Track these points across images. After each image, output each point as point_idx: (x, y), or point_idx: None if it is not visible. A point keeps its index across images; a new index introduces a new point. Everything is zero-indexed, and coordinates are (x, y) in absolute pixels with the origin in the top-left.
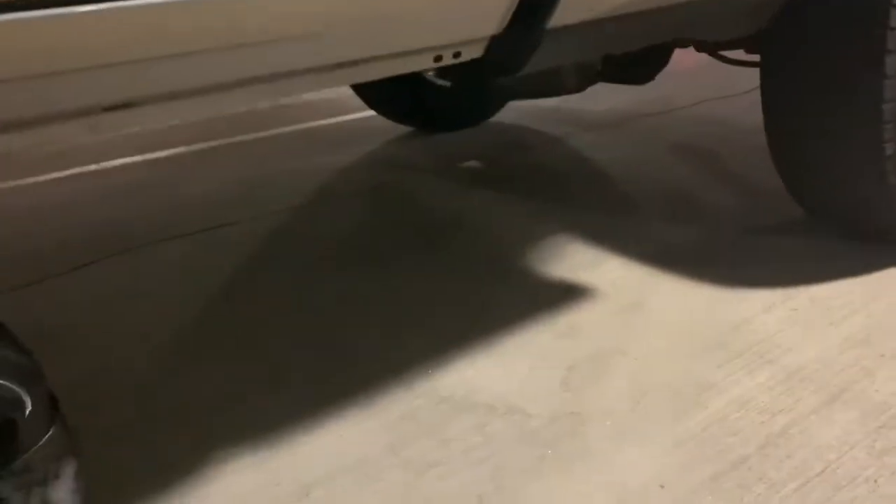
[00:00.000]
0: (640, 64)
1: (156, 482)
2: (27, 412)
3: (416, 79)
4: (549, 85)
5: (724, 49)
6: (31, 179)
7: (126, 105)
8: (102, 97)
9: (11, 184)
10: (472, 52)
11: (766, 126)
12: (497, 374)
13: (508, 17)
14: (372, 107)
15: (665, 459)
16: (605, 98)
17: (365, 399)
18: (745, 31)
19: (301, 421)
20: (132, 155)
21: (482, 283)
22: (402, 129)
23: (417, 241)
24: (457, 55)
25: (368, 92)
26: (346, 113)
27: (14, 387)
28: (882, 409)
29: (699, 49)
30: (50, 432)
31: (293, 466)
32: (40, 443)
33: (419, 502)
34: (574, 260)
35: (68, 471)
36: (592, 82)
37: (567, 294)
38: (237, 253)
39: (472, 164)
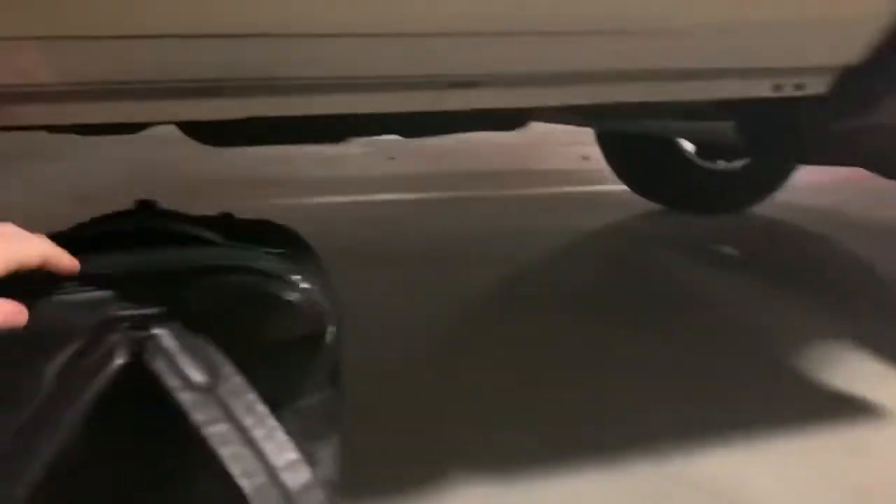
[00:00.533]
0: None
1: (394, 485)
2: (326, 345)
3: (675, 156)
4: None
5: None
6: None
7: (472, 84)
8: (453, 69)
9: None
10: (817, 86)
11: None
12: (764, 474)
13: (876, 44)
14: (624, 179)
15: None
16: (882, 207)
17: (607, 464)
18: None
19: (538, 466)
20: (390, 192)
21: (742, 374)
22: (650, 205)
23: (665, 313)
24: (799, 87)
25: (623, 164)
26: (595, 184)
27: (326, 307)
28: None
29: None
30: (332, 389)
31: None
32: (323, 393)
33: None
34: (855, 370)
35: (335, 438)
36: None
37: (848, 407)
38: (479, 287)
39: (727, 249)
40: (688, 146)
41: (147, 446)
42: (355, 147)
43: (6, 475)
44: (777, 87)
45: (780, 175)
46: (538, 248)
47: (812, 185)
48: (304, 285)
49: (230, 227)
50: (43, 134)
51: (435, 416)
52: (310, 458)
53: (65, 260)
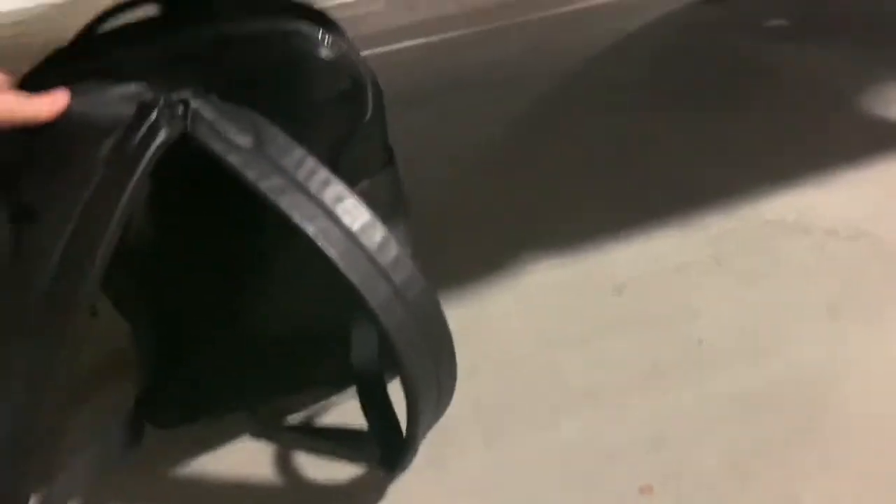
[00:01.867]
0: None
1: (468, 267)
2: (368, 111)
3: None
4: None
5: None
6: None
7: None
8: None
9: None
10: None
11: None
12: (835, 201)
13: None
14: None
15: None
16: None
17: (677, 214)
18: None
19: (610, 232)
20: (416, 38)
21: (803, 122)
22: None
23: (721, 87)
24: None
25: None
26: None
27: (360, 69)
28: None
29: None
30: (387, 170)
31: (606, 267)
32: (378, 175)
33: (754, 307)
34: None
35: (400, 226)
36: None
37: None
38: (531, 100)
39: (779, 22)
40: None
41: (211, 219)
42: (373, 2)
43: (75, 260)
44: None
45: None
46: (583, 56)
47: None
48: (332, 43)
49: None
50: None
51: (506, 206)
52: None
53: (40, 105)
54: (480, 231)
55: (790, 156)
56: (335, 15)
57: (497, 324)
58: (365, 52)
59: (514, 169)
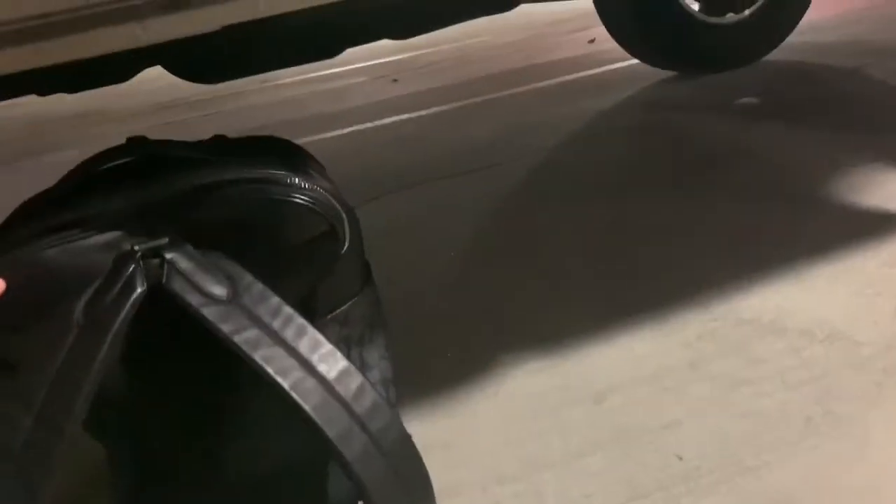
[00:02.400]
0: None
1: (451, 373)
2: (344, 244)
3: (680, 16)
4: None
5: None
6: (314, 137)
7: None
8: None
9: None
10: None
11: None
12: (810, 300)
13: None
14: (632, 52)
15: None
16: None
17: (655, 317)
18: None
19: (589, 333)
20: (399, 114)
21: (778, 211)
22: (662, 73)
23: (695, 171)
24: None
25: (628, 34)
26: (604, 64)
27: (336, 206)
28: None
29: None
30: (365, 291)
31: (585, 373)
32: (356, 297)
33: (733, 415)
34: (891, 189)
35: (379, 339)
36: None
37: (887, 222)
38: (509, 187)
39: (750, 100)
40: (692, 5)
41: (187, 366)
42: (358, 75)
43: (52, 414)
44: None
45: (791, 16)
46: (557, 137)
47: (826, 21)
48: (306, 185)
49: (224, 147)
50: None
51: (486, 306)
52: (359, 364)
53: None
54: (462, 334)
55: (766, 247)
56: (320, 87)
57: (481, 438)
58: (347, 130)
59: (492, 265)
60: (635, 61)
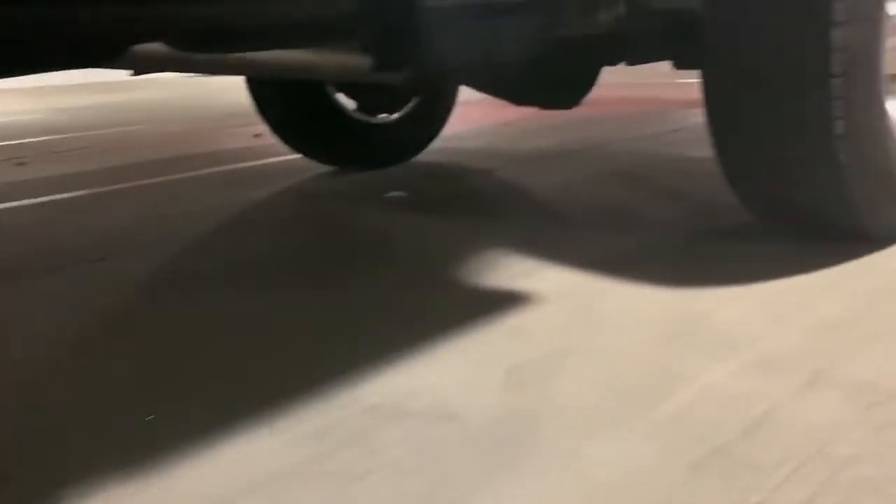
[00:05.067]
0: (567, 85)
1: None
2: None
3: (338, 116)
4: (484, 46)
5: (654, 60)
6: None
7: None
8: None
9: None
10: None
11: (711, 131)
12: (432, 379)
13: None
14: (290, 146)
15: (637, 451)
16: (530, 140)
17: (276, 414)
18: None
19: (201, 441)
20: (34, 197)
21: (415, 294)
22: (324, 168)
23: (341, 260)
24: None
25: (285, 130)
26: (267, 157)
27: None
28: (868, 388)
29: (629, 63)
30: None
31: (189, 488)
32: None
33: None
34: (514, 269)
35: None
36: (527, 54)
37: (508, 301)
38: (128, 279)
39: (399, 194)
40: (349, 104)
41: None
42: None
43: None
44: None
45: (437, 123)
46: (201, 226)
47: (467, 132)
48: None
49: None
50: None
51: (74, 415)
52: None
53: None
54: (49, 453)
55: (398, 329)
56: None
57: None
58: None
59: (91, 367)
60: (298, 156)
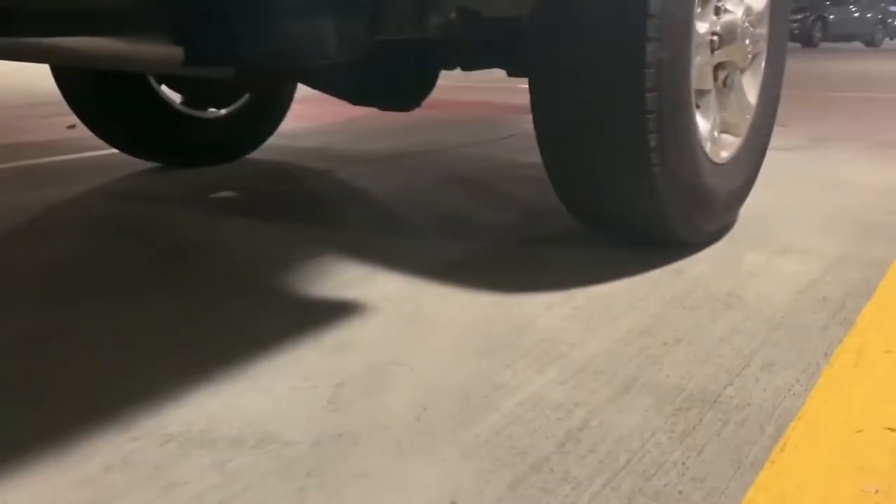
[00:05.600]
0: (404, 87)
1: None
2: None
3: (160, 109)
4: (303, 45)
5: (487, 67)
6: None
7: None
8: None
9: None
10: None
11: (538, 140)
12: (248, 401)
13: None
14: (108, 140)
15: (456, 471)
16: (368, 141)
17: (58, 450)
18: (512, 7)
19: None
20: None
21: (233, 307)
22: (145, 164)
23: (153, 268)
24: None
25: (101, 122)
26: (80, 151)
27: None
28: (675, 393)
29: (464, 68)
30: None
31: None
32: None
33: None
34: (342, 277)
35: None
36: (354, 55)
37: (335, 311)
38: None
39: (226, 194)
40: (175, 97)
41: None
42: None
43: None
44: None
45: (271, 120)
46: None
47: (304, 130)
48: None
49: None
50: None
51: None
52: None
53: None
54: None
55: (212, 346)
56: None
57: None
58: None
59: None
60: (115, 150)
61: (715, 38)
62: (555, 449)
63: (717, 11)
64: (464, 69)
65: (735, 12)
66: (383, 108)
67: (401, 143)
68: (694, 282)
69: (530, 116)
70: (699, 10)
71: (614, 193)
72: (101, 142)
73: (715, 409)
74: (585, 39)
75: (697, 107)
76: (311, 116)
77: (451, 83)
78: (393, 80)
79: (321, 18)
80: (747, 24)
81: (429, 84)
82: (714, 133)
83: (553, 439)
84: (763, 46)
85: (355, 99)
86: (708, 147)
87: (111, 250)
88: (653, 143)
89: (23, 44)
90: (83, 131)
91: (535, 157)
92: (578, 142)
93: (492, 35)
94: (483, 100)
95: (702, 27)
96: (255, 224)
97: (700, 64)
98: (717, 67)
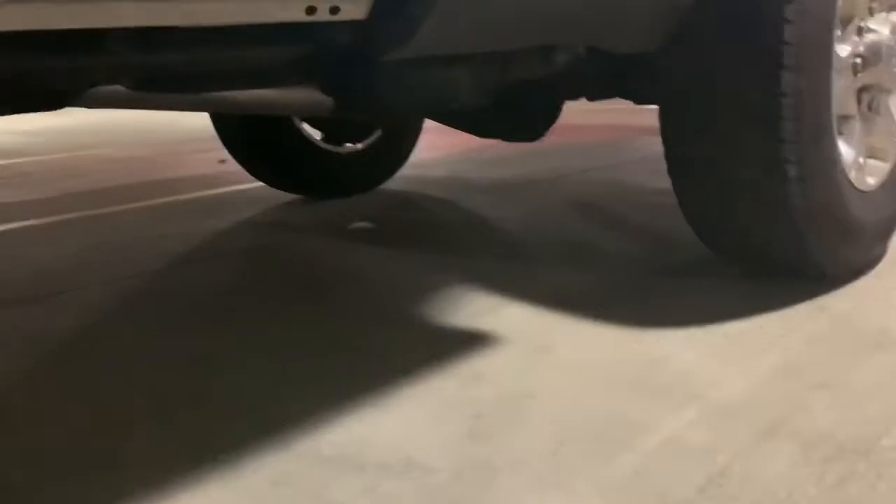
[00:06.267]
0: (529, 120)
1: None
2: None
3: (304, 146)
4: (442, 92)
5: (614, 97)
6: None
7: None
8: None
9: None
10: (355, 11)
11: (668, 168)
12: (392, 427)
13: None
14: (256, 175)
15: None
16: (492, 169)
17: (228, 464)
18: (644, 44)
19: (142, 496)
20: None
21: (375, 335)
22: (289, 196)
23: (301, 297)
24: (335, 10)
25: (250, 158)
26: (231, 185)
27: None
28: (824, 441)
29: (590, 98)
30: None
31: None
32: None
33: None
34: (474, 307)
35: None
36: (487, 97)
37: (468, 341)
38: (88, 317)
39: (362, 224)
40: (316, 133)
41: None
42: None
43: None
44: (311, 10)
45: (402, 152)
46: (158, 259)
47: (432, 160)
48: None
49: None
50: None
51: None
52: None
53: None
54: None
55: (358, 372)
56: None
57: None
58: None
59: (40, 413)
60: (261, 183)
61: (858, 59)
62: (695, 494)
63: (860, 32)
64: (589, 100)
65: (880, 32)
66: (508, 139)
67: (525, 170)
68: (840, 319)
69: (654, 138)
70: (839, 32)
71: (752, 225)
72: (247, 176)
73: (868, 460)
74: (720, 70)
75: (840, 133)
76: (438, 146)
77: (574, 105)
78: (517, 113)
79: (458, 68)
80: (893, 44)
81: (553, 115)
82: (860, 160)
83: (693, 483)
84: None
85: (480, 132)
86: (853, 175)
87: (262, 279)
88: (792, 173)
89: (188, 98)
90: (232, 165)
91: (663, 181)
92: (713, 171)
93: (619, 68)
94: (607, 122)
95: (843, 50)
96: (391, 254)
97: (842, 89)
98: (862, 90)
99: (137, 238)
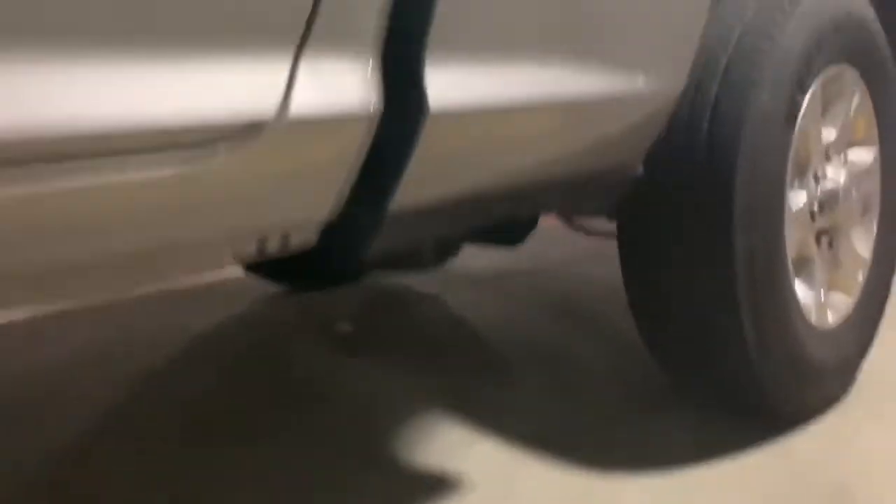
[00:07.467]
0: (509, 226)
1: None
2: None
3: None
4: (407, 260)
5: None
6: None
7: None
8: None
9: None
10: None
11: (627, 294)
12: None
13: (342, 201)
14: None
15: None
16: (474, 258)
17: None
18: (607, 208)
19: None
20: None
21: (341, 464)
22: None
23: (278, 415)
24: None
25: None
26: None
27: None
28: None
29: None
30: None
31: None
32: None
33: None
34: (448, 438)
35: None
36: (454, 253)
37: (435, 484)
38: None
39: (347, 326)
40: None
41: None
42: None
43: None
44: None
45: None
46: (142, 362)
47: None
48: None
49: None
50: None
51: None
52: None
53: None
54: None
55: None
56: None
57: None
58: None
59: None
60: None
61: (816, 206)
62: None
63: (817, 178)
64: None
65: (835, 178)
66: (489, 244)
67: (508, 261)
68: (799, 469)
69: None
70: (795, 183)
71: (707, 363)
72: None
73: None
74: (673, 227)
75: (798, 275)
76: None
77: None
78: (502, 225)
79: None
80: (851, 186)
81: (533, 223)
82: (820, 299)
83: None
84: (875, 199)
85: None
86: (812, 315)
87: (238, 385)
88: (746, 318)
89: None
90: None
91: None
92: (670, 310)
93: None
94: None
95: (798, 201)
96: (370, 364)
97: (798, 236)
98: (821, 233)
99: (117, 337)
